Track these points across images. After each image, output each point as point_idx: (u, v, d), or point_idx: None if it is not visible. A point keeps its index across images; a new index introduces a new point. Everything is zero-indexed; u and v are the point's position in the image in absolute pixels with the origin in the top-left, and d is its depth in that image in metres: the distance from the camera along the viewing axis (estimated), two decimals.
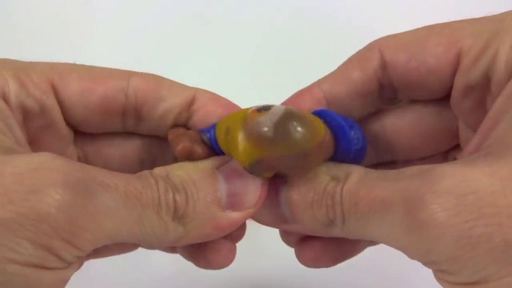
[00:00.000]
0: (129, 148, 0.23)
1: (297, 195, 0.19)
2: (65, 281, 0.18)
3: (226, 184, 0.19)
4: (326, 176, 0.19)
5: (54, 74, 0.21)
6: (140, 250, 0.25)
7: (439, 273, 0.18)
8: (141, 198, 0.17)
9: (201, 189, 0.18)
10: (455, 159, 0.23)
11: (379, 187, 0.17)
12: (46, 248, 0.16)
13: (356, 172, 0.19)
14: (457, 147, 0.24)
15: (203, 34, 0.51)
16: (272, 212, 0.20)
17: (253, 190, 0.19)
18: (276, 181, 0.19)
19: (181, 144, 0.20)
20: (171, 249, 0.24)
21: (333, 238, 0.22)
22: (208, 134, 0.21)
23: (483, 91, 0.20)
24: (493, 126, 0.18)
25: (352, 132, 0.20)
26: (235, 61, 0.50)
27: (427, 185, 0.16)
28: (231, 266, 0.23)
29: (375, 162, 0.25)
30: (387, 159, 0.21)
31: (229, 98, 0.23)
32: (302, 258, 0.23)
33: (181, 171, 0.19)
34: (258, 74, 0.49)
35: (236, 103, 0.23)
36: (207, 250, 0.22)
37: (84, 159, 0.23)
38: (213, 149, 0.21)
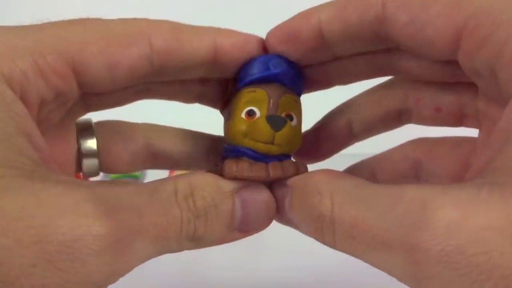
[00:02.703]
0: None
1: (295, 207, 0.20)
2: None
3: (241, 211, 0.20)
4: (316, 193, 0.19)
5: (72, 53, 0.19)
6: None
7: None
8: (167, 235, 0.18)
9: (221, 214, 0.19)
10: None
11: (378, 226, 0.17)
12: None
13: (339, 193, 0.18)
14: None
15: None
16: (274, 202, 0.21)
17: (263, 219, 0.20)
18: (282, 188, 0.20)
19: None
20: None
21: (326, 137, 0.24)
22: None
23: (492, 79, 0.18)
24: (505, 141, 0.17)
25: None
26: None
27: (428, 234, 0.15)
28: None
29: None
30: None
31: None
32: (300, 154, 0.24)
33: (206, 191, 0.19)
34: None
35: None
36: None
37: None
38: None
